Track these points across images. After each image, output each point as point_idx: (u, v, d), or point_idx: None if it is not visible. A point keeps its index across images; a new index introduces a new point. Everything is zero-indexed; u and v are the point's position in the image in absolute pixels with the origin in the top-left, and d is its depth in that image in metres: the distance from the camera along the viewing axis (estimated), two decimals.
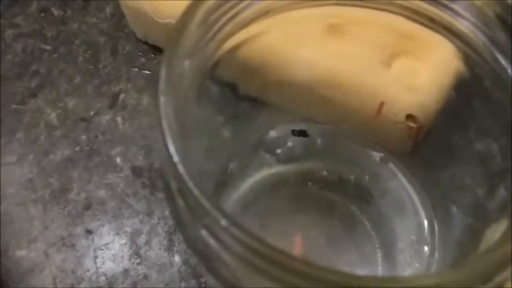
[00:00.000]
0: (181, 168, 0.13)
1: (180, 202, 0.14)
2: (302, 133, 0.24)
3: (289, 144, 0.25)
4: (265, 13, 0.19)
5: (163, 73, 0.14)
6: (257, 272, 0.12)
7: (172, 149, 0.13)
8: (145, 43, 0.33)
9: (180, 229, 0.14)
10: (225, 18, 0.18)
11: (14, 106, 0.31)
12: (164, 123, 0.13)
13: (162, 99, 0.13)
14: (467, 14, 0.17)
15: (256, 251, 0.12)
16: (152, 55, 0.33)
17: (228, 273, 0.14)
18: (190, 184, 0.13)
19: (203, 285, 0.26)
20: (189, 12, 0.15)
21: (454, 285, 0.11)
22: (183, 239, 0.14)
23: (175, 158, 0.13)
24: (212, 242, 0.13)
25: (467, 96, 0.21)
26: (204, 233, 0.13)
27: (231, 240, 0.12)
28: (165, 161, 0.13)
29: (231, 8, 0.18)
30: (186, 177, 0.13)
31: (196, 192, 0.12)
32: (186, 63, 0.16)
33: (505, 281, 0.13)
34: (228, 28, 0.18)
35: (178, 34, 0.14)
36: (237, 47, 0.19)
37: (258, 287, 0.13)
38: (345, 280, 0.11)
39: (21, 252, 0.27)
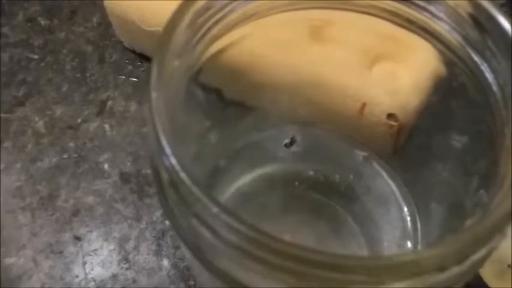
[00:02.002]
0: (173, 160, 0.13)
1: (172, 195, 0.14)
2: (292, 141, 0.25)
3: (275, 146, 0.25)
4: (249, 17, 0.20)
5: (154, 70, 0.14)
6: (249, 258, 0.13)
7: (164, 141, 0.13)
8: (133, 51, 0.33)
9: (171, 222, 0.15)
10: (211, 21, 0.18)
11: (1, 115, 0.32)
12: (156, 117, 0.13)
13: (154, 94, 0.14)
14: (442, 15, 0.18)
15: (249, 237, 0.12)
16: (139, 63, 0.33)
17: (219, 263, 0.14)
18: (183, 175, 0.13)
19: None
20: (179, 13, 0.16)
21: (430, 262, 0.12)
22: (175, 230, 0.15)
23: (168, 151, 0.13)
24: (204, 230, 0.13)
25: (446, 95, 0.22)
26: (195, 222, 0.13)
27: (222, 228, 0.13)
28: (157, 154, 0.14)
29: (218, 11, 0.18)
30: (178, 167, 0.13)
31: (188, 182, 0.13)
32: (176, 63, 0.16)
33: (483, 262, 0.13)
34: (214, 31, 0.19)
35: (169, 33, 0.15)
36: (221, 51, 0.20)
37: (249, 274, 0.14)
38: (332, 259, 0.11)
39: (10, 260, 0.27)
